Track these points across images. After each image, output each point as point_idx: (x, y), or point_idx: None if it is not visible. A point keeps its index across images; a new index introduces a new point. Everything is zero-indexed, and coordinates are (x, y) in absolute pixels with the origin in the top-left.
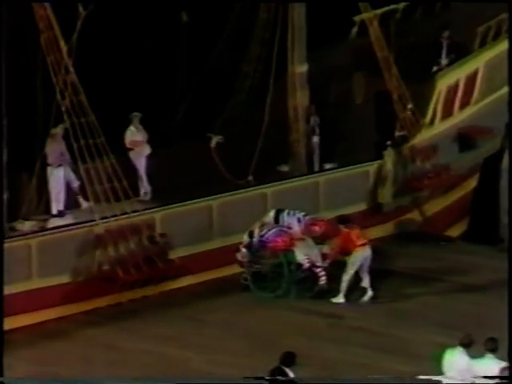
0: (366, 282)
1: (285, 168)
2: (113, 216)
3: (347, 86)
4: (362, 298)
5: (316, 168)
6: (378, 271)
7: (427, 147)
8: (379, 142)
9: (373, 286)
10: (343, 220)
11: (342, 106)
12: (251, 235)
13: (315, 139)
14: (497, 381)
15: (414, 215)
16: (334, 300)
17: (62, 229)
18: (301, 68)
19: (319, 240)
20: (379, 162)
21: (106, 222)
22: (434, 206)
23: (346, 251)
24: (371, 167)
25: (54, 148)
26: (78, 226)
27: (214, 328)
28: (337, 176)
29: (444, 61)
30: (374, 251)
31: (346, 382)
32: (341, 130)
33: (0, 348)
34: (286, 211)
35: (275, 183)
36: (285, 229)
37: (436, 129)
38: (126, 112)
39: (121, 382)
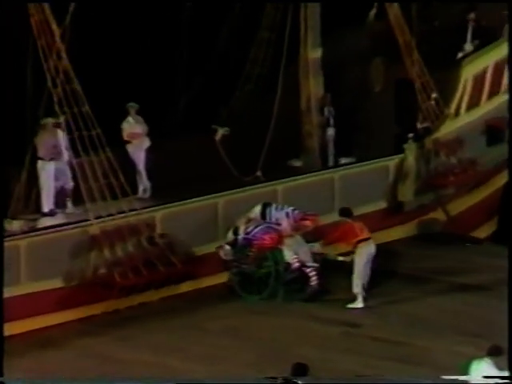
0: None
1: (296, 163)
2: (109, 215)
3: (365, 73)
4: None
5: (331, 163)
6: (397, 275)
7: (452, 140)
8: (400, 135)
9: (391, 291)
10: (346, 212)
11: (360, 95)
12: (236, 232)
13: (330, 131)
14: (497, 381)
15: (438, 215)
16: (351, 305)
17: (54, 229)
18: (314, 53)
19: (310, 237)
20: (400, 156)
21: (102, 222)
22: (459, 205)
23: (346, 242)
24: (391, 162)
25: (46, 140)
26: (72, 226)
27: (218, 337)
28: (353, 172)
29: (469, 46)
30: (394, 254)
31: (346, 382)
32: (358, 121)
33: (0, 348)
34: (274, 205)
35: (286, 179)
36: (273, 225)
37: (462, 120)
38: (124, 102)
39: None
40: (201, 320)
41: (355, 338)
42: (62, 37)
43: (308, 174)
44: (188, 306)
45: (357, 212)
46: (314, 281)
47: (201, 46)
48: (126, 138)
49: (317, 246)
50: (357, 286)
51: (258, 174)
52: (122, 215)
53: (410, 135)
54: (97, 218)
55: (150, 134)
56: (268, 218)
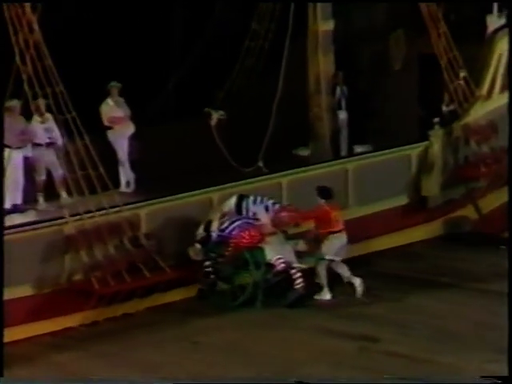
0: (347, 274)
1: (304, 152)
2: (87, 212)
3: (383, 47)
4: (356, 294)
5: (344, 152)
6: (420, 282)
7: (484, 126)
8: (423, 119)
9: (412, 300)
10: (325, 193)
11: (377, 74)
12: (208, 228)
13: (342, 115)
14: (497, 381)
15: (467, 212)
16: (318, 297)
17: (23, 228)
18: (325, 25)
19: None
20: (424, 144)
21: (79, 220)
22: (492, 201)
23: (317, 230)
24: (413, 151)
25: (12, 125)
26: (43, 224)
27: (213, 352)
28: (370, 162)
29: (495, 18)
30: (416, 257)
31: (346, 382)
32: (375, 103)
33: (0, 348)
34: (252, 198)
35: (292, 171)
36: (252, 221)
37: (495, 102)
38: (104, 81)
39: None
40: (193, 333)
41: (372, 354)
42: (34, 6)
43: (317, 165)
44: (178, 317)
45: (373, 209)
46: (298, 284)
47: (194, 16)
48: (106, 122)
49: (300, 244)
50: (324, 277)
51: (260, 164)
52: (102, 212)
53: (436, 120)
54: (72, 215)
55: (134, 119)
56: (244, 212)
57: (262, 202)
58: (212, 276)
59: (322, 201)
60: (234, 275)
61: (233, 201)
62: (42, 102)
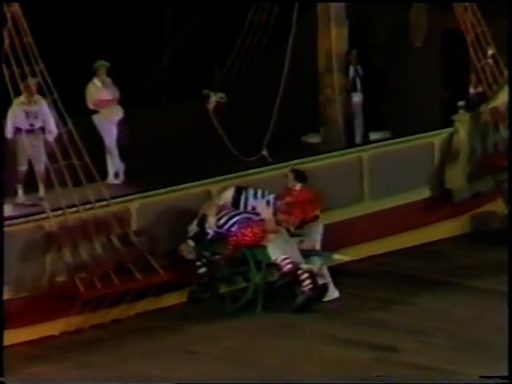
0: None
1: (313, 139)
2: (70, 206)
3: (402, 22)
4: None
5: (358, 139)
6: (443, 285)
7: None
8: (447, 102)
9: (435, 305)
10: (302, 175)
11: (395, 51)
12: (202, 224)
13: (356, 98)
14: (496, 381)
15: (496, 207)
16: (328, 298)
17: None
18: None
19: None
20: (448, 130)
21: (61, 215)
22: None
23: (301, 216)
24: (436, 138)
25: None
26: (22, 219)
27: (210, 363)
28: (387, 150)
29: None
30: (439, 257)
31: (347, 382)
32: (393, 84)
33: (0, 348)
34: (252, 191)
35: (300, 161)
36: (252, 216)
37: None
38: (91, 59)
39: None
40: (189, 341)
41: (390, 365)
42: None
43: (328, 154)
44: (173, 323)
45: (391, 203)
46: (306, 286)
47: None
48: (92, 106)
49: (306, 242)
50: (328, 275)
51: (264, 153)
52: (88, 206)
53: (461, 103)
54: (54, 209)
55: (123, 102)
56: (242, 206)
57: (263, 196)
58: (206, 277)
59: (299, 184)
60: (232, 276)
61: (229, 193)
62: (32, 82)
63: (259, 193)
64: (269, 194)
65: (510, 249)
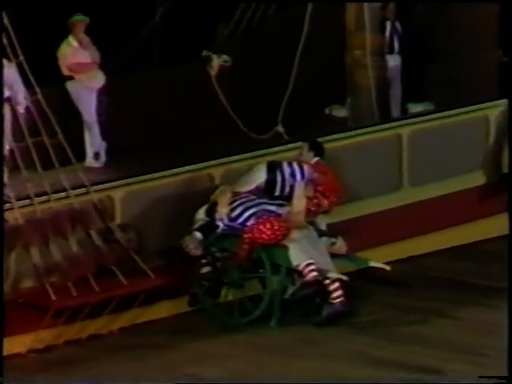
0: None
1: (339, 112)
2: (40, 195)
3: None
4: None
5: (396, 112)
6: (497, 291)
7: None
8: (506, 68)
9: (486, 318)
10: (317, 147)
11: (442, 4)
12: (211, 213)
13: (394, 61)
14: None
15: None
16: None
17: None
18: None
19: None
20: (506, 102)
21: (28, 206)
22: None
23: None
24: (492, 111)
25: None
26: None
27: None
28: (431, 126)
29: None
30: (494, 258)
31: (347, 382)
32: (439, 45)
33: (0, 348)
34: (287, 168)
35: (323, 139)
36: (273, 208)
37: None
38: (66, 14)
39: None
40: (186, 362)
41: None
42: None
43: (359, 130)
44: (166, 339)
45: (436, 191)
46: (336, 298)
47: None
48: (66, 70)
49: (339, 243)
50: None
51: (279, 129)
52: (61, 195)
53: None
54: (20, 198)
55: (104, 66)
56: (279, 190)
57: (302, 173)
58: (209, 280)
59: (316, 158)
60: (244, 281)
61: (262, 174)
62: None
63: (296, 170)
64: (304, 169)
65: (510, 249)
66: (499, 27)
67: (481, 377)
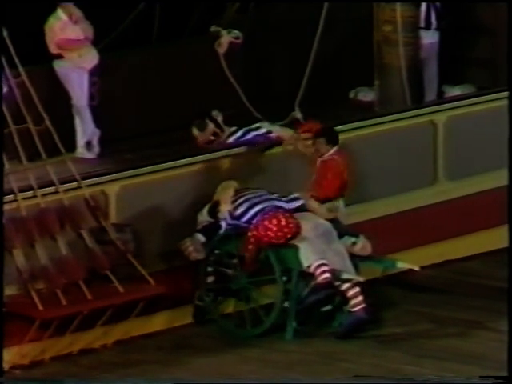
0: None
1: (366, 95)
2: (24, 190)
3: None
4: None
5: (430, 96)
6: None
7: None
8: None
9: None
10: (335, 136)
11: None
12: (214, 213)
13: (430, 38)
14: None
15: None
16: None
17: None
18: None
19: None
20: None
21: (11, 202)
22: None
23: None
24: None
25: None
26: None
27: None
28: (471, 112)
29: None
30: None
31: (348, 382)
32: (481, 20)
33: (0, 348)
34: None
35: (347, 126)
36: (282, 204)
37: None
38: None
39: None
40: (186, 377)
41: None
42: None
43: (386, 117)
44: (167, 355)
45: (476, 186)
46: (357, 305)
47: None
48: (54, 48)
49: (361, 243)
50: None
51: (297, 115)
52: (49, 189)
53: None
54: (1, 194)
55: (97, 42)
56: None
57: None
58: (214, 290)
59: (334, 148)
60: (251, 288)
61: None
62: None
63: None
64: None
65: (509, 248)
66: None
67: (481, 377)
